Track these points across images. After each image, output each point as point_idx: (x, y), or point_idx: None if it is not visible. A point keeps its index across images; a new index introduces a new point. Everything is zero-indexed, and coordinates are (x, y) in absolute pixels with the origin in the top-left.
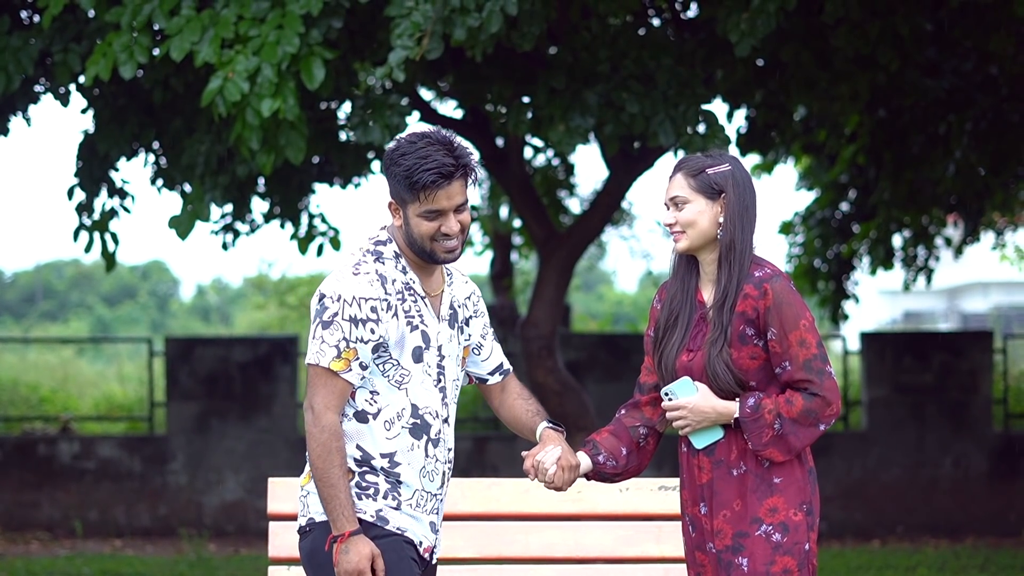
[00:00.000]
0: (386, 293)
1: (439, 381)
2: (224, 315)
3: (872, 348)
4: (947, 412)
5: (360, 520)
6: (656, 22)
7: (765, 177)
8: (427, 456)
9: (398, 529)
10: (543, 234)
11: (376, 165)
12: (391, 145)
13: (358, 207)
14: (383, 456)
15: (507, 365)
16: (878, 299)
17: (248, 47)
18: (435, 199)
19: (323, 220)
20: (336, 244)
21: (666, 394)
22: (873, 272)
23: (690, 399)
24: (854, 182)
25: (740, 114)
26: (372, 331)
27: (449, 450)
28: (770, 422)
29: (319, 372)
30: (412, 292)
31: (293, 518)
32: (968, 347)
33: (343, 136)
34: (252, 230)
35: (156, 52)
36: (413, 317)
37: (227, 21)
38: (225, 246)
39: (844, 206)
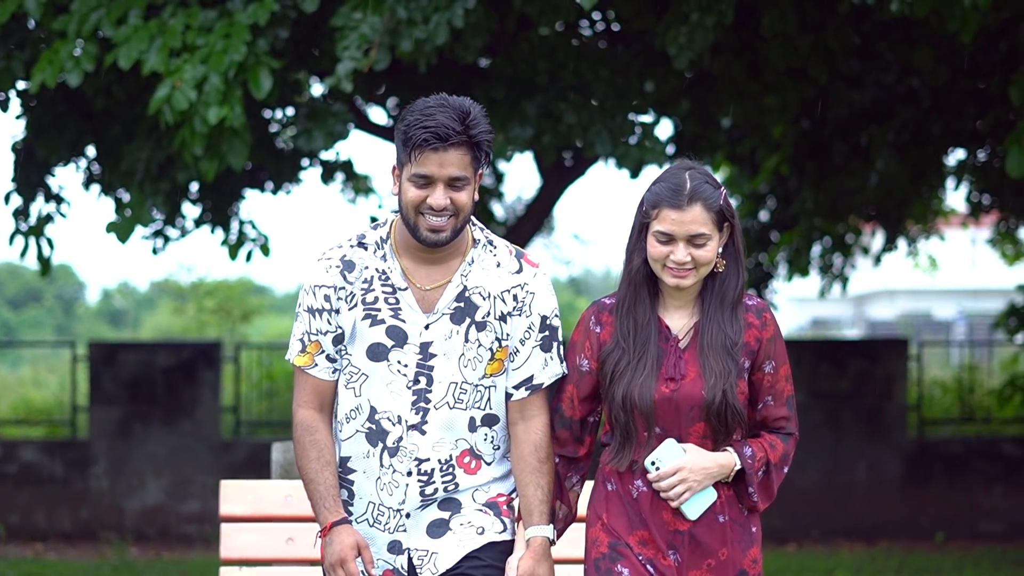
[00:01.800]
0: (345, 281)
1: (416, 382)
2: (132, 319)
3: (789, 355)
4: (863, 418)
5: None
6: (588, 33)
7: None
8: (382, 466)
9: None
10: None
11: (307, 174)
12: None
13: (289, 214)
14: (340, 460)
15: (540, 379)
16: (787, 306)
17: (195, 56)
18: (425, 162)
19: (253, 226)
20: (266, 251)
21: (652, 463)
22: (790, 279)
23: (684, 460)
24: (774, 191)
25: (667, 124)
26: (329, 322)
27: (420, 461)
28: (757, 469)
29: (294, 368)
30: (386, 282)
31: (244, 520)
32: (883, 354)
33: (279, 143)
34: (183, 235)
35: (104, 61)
36: (377, 310)
37: (174, 30)
38: (155, 251)
39: (763, 215)
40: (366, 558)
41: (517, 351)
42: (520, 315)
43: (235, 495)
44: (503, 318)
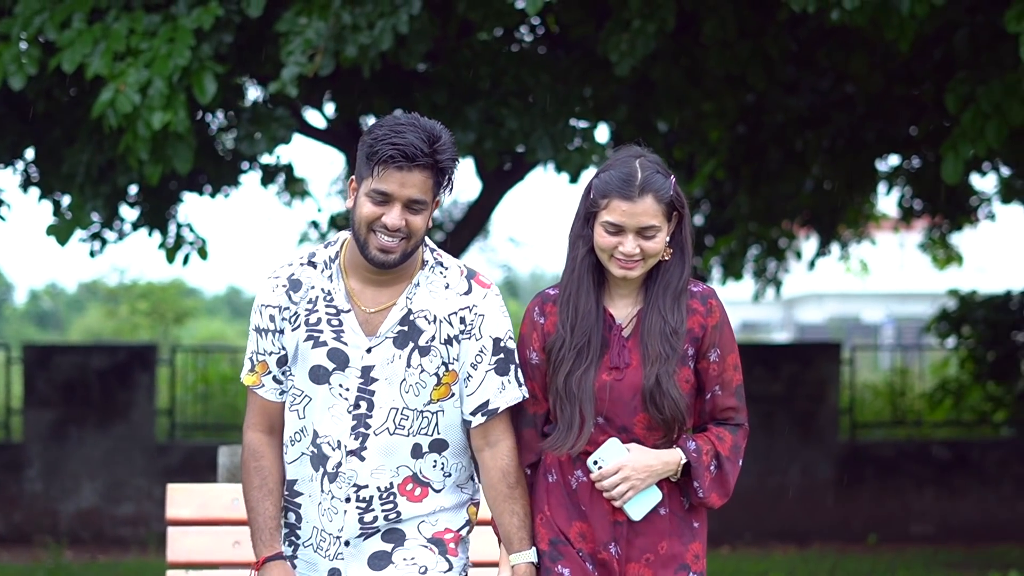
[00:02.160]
0: (290, 301)
1: (356, 407)
2: (60, 321)
3: None
4: (795, 421)
5: None
6: (529, 39)
7: None
8: (323, 491)
9: None
10: None
11: (247, 177)
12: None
13: (223, 216)
14: (288, 483)
15: (495, 404)
16: None
17: (139, 60)
18: (387, 178)
19: (191, 230)
20: (203, 254)
21: (595, 462)
22: (724, 283)
23: (627, 458)
24: (709, 196)
25: (604, 129)
26: (273, 343)
27: (359, 488)
28: (707, 464)
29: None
30: (330, 303)
31: (191, 523)
32: (816, 358)
33: (220, 147)
34: (120, 238)
35: (48, 64)
36: (320, 332)
37: (118, 34)
38: (92, 254)
39: (698, 219)
40: None
41: (470, 376)
42: (469, 338)
43: (182, 499)
44: (449, 342)
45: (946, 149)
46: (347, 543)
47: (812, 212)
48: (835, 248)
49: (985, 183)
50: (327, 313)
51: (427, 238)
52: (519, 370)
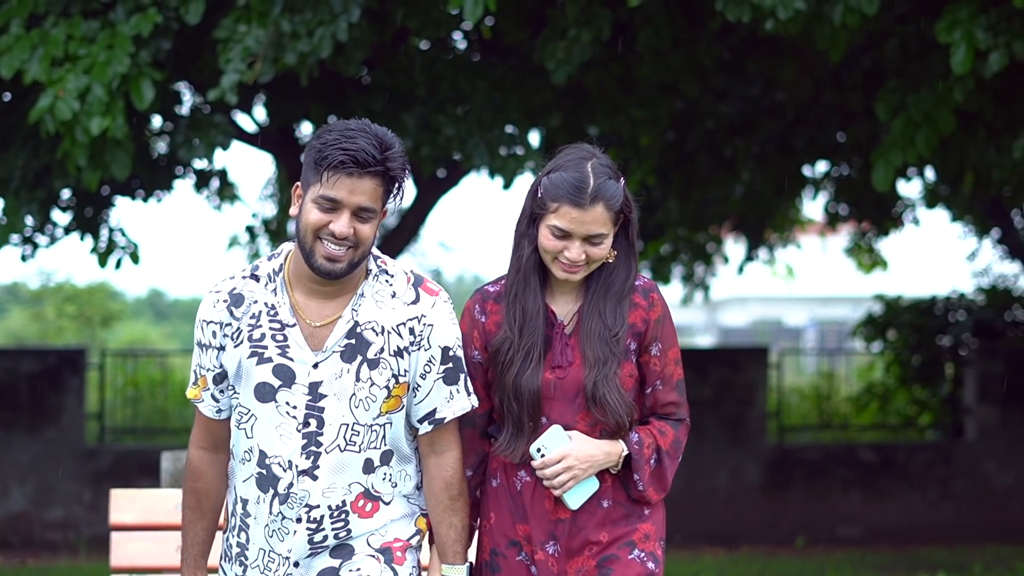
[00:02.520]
0: (232, 316)
1: (306, 425)
2: None
3: None
4: (724, 425)
5: None
6: (463, 45)
7: None
8: (271, 513)
9: None
10: None
11: (180, 182)
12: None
13: (152, 220)
14: (239, 502)
15: (443, 413)
16: None
17: (78, 66)
18: (336, 185)
19: (123, 234)
20: (135, 258)
21: (538, 450)
22: None
23: (569, 447)
24: (637, 201)
25: (535, 135)
26: (212, 360)
27: (311, 508)
28: (648, 457)
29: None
30: (274, 317)
31: (134, 528)
32: (744, 362)
33: (154, 152)
34: (52, 242)
35: None
36: (264, 348)
37: (57, 40)
38: (24, 258)
39: None
40: None
41: (418, 386)
42: (419, 349)
43: (125, 504)
44: (399, 354)
45: (877, 157)
46: (296, 564)
47: (741, 217)
48: (762, 252)
49: (910, 188)
50: (271, 328)
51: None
52: (468, 379)
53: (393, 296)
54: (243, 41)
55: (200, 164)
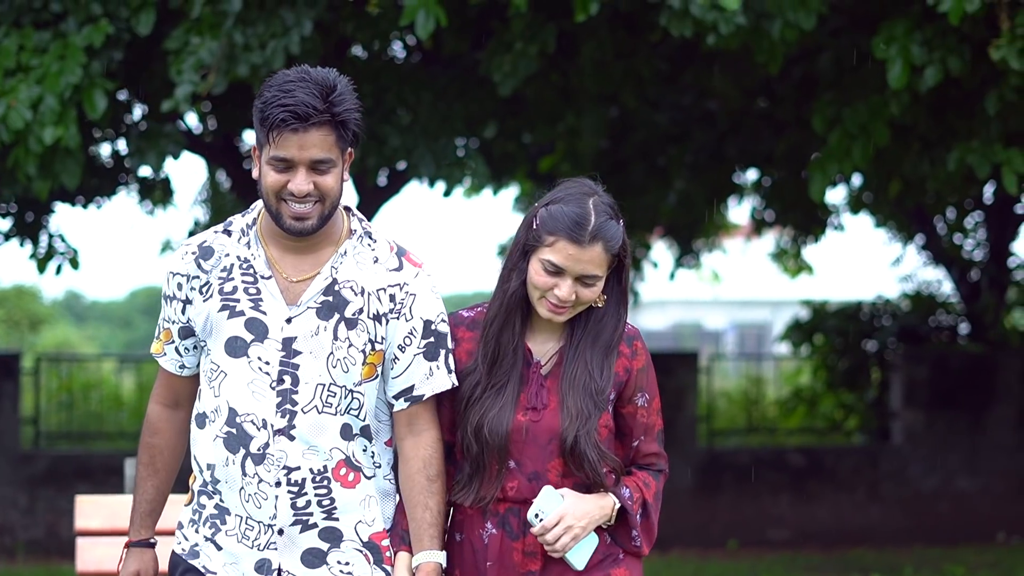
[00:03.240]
0: (200, 269)
1: (280, 382)
2: None
3: None
4: None
5: (172, 553)
6: (402, 55)
7: (476, 199)
8: (245, 475)
9: (203, 568)
10: None
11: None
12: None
13: (100, 228)
14: (205, 468)
15: (421, 390)
16: None
17: (31, 76)
18: (284, 144)
19: (62, 240)
20: (75, 264)
21: (536, 515)
22: None
23: (565, 507)
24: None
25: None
26: (177, 311)
27: (290, 470)
28: (637, 512)
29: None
30: (247, 270)
31: (100, 534)
32: (675, 367)
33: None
34: None
35: None
36: (236, 301)
37: (8, 51)
38: None
39: None
40: None
41: (396, 358)
42: (399, 318)
43: (91, 510)
44: (378, 319)
45: (813, 168)
46: (280, 532)
47: (671, 224)
48: (688, 257)
49: (834, 195)
50: (244, 281)
51: (355, 209)
52: (450, 356)
53: (375, 261)
54: (196, 53)
55: (145, 172)
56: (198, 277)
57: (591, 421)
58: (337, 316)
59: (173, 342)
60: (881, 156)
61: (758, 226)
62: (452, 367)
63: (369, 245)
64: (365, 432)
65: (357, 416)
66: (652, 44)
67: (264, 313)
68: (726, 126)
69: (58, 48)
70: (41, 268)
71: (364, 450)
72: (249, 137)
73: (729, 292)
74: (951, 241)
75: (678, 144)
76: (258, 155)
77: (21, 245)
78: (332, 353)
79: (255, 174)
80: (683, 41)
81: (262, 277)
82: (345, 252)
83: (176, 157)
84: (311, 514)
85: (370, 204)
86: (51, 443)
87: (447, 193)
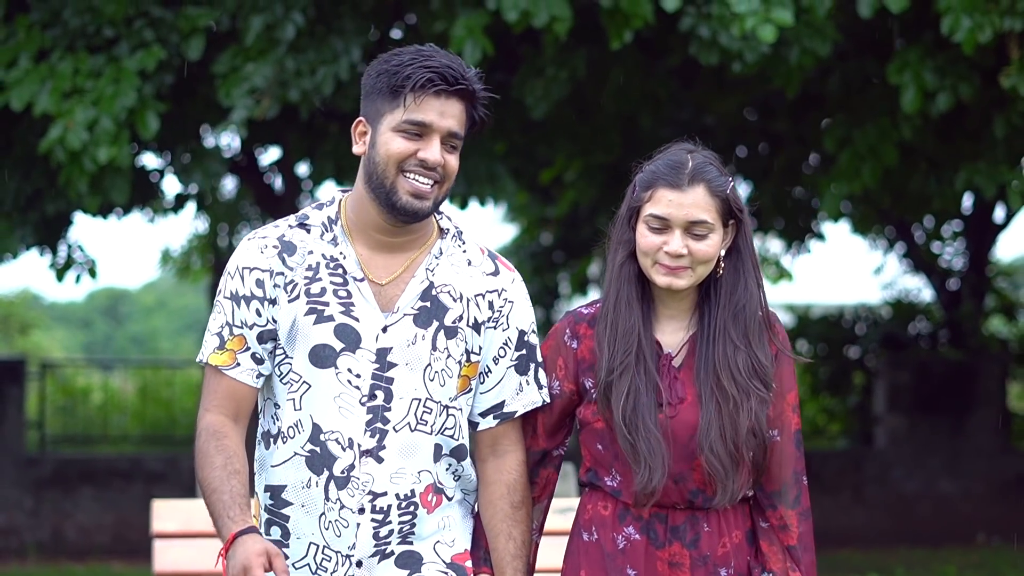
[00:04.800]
0: (285, 265)
1: (372, 398)
2: None
3: None
4: None
5: None
6: None
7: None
8: (328, 499)
9: None
10: None
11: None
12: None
13: (118, 238)
14: (267, 491)
15: (512, 407)
16: None
17: (86, 99)
18: (424, 106)
19: (81, 250)
20: (93, 273)
21: None
22: (571, 298)
23: None
24: (564, 219)
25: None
26: (258, 312)
27: (375, 496)
28: None
29: (206, 371)
30: (335, 270)
31: (176, 536)
32: None
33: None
34: (14, 256)
35: None
36: (324, 304)
37: (65, 74)
38: None
39: (546, 239)
40: (278, 567)
41: (489, 371)
42: (496, 327)
43: (167, 513)
44: (476, 327)
45: (824, 186)
46: (359, 563)
47: None
48: None
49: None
50: (333, 282)
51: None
52: (540, 370)
53: (469, 264)
54: (250, 79)
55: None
56: (283, 274)
57: (744, 407)
58: (436, 324)
59: (248, 349)
60: (889, 175)
61: None
62: (544, 382)
63: (461, 246)
64: (455, 452)
65: (452, 436)
66: (669, 67)
67: (356, 320)
68: (724, 140)
69: (112, 72)
70: (60, 277)
71: (449, 470)
72: (273, 154)
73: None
74: (929, 250)
75: None
76: (365, 130)
77: (41, 255)
78: (430, 365)
79: (359, 150)
80: (693, 62)
81: (354, 279)
82: (440, 252)
83: (221, 176)
84: (389, 543)
85: None
86: (55, 447)
87: (463, 207)
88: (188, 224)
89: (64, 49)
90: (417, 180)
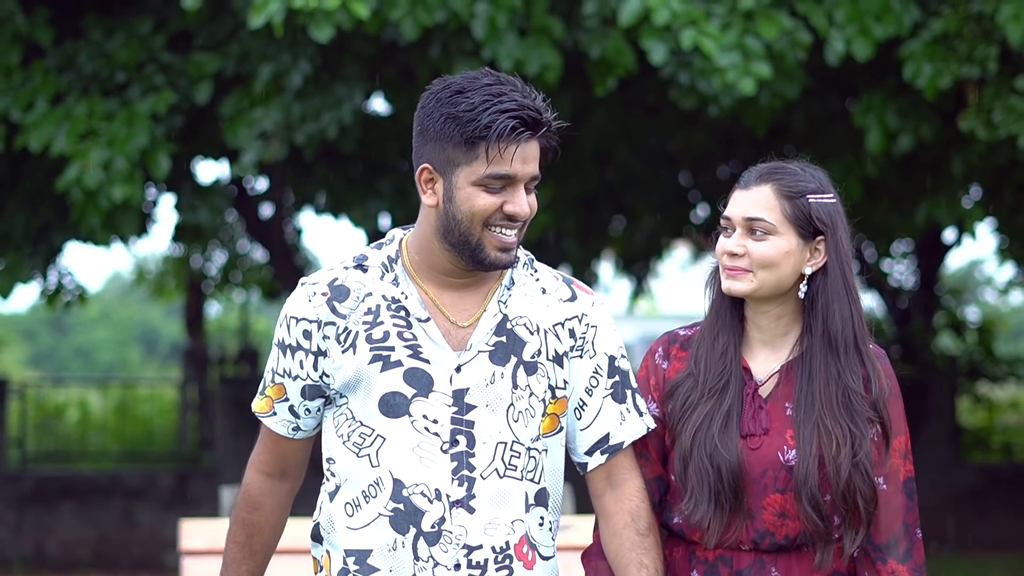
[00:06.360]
0: (335, 313)
1: (453, 444)
2: None
3: None
4: None
5: None
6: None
7: None
8: (418, 559)
9: None
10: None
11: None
12: (433, 84)
13: (107, 265)
14: (348, 555)
15: (619, 438)
16: None
17: (101, 140)
18: (508, 157)
19: (71, 276)
20: (83, 299)
21: None
22: None
23: None
24: (531, 241)
25: None
26: (302, 364)
27: (471, 549)
28: None
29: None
30: (397, 312)
31: (204, 554)
32: None
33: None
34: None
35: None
36: (389, 349)
37: (80, 117)
38: None
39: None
40: None
41: (584, 404)
42: (582, 356)
43: (195, 531)
44: (558, 360)
45: None
46: None
47: (630, 256)
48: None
49: None
50: (396, 325)
51: None
52: (638, 396)
53: (544, 292)
54: (260, 123)
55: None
56: (333, 324)
57: (856, 442)
58: (515, 360)
59: (287, 400)
60: (853, 208)
61: (698, 250)
62: (643, 408)
63: (533, 274)
64: (541, 498)
65: (535, 480)
66: (646, 107)
67: (427, 361)
68: (688, 166)
69: (125, 115)
70: (50, 302)
71: (541, 523)
72: (261, 184)
73: (671, 308)
74: (878, 268)
75: (644, 185)
76: (437, 180)
77: (27, 281)
78: (512, 404)
79: (430, 201)
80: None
81: (418, 320)
82: (512, 283)
83: (223, 211)
84: None
85: None
86: (36, 464)
87: None
88: (162, 245)
89: (79, 93)
90: (503, 234)
